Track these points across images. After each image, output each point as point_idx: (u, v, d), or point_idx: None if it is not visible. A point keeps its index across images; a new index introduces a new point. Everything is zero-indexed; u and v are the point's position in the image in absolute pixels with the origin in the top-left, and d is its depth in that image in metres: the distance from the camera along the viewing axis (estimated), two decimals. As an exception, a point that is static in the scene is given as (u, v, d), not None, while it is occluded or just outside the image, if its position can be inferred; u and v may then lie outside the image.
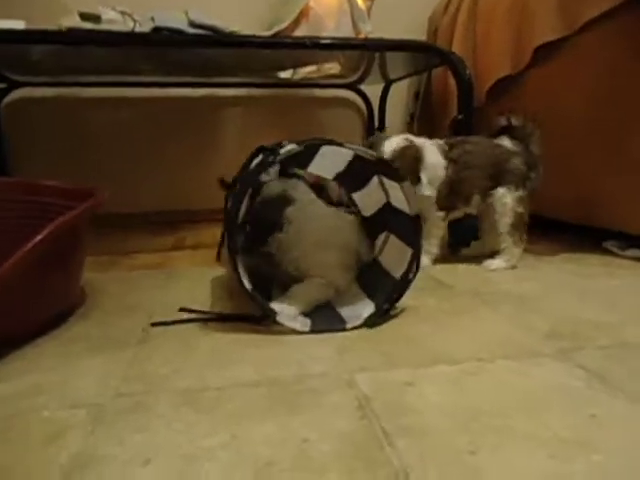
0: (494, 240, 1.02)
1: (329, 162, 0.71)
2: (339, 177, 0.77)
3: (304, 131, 1.79)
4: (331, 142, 0.67)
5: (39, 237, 0.61)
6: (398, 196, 0.70)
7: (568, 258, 1.09)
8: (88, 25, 1.24)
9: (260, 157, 0.69)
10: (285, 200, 0.78)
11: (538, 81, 1.23)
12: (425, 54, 1.22)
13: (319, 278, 0.75)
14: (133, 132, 1.68)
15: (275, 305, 0.70)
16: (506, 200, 0.99)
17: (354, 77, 1.65)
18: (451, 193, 0.99)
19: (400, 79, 1.68)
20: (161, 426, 0.46)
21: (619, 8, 0.97)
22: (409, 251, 0.71)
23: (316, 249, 0.76)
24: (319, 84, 1.73)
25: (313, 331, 0.68)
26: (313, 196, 0.83)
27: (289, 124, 1.77)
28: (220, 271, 1.01)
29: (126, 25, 1.27)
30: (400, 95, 1.83)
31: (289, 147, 0.66)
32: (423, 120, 1.75)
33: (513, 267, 1.00)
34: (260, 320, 0.70)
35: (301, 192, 0.81)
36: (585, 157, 1.13)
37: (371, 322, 0.68)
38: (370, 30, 1.39)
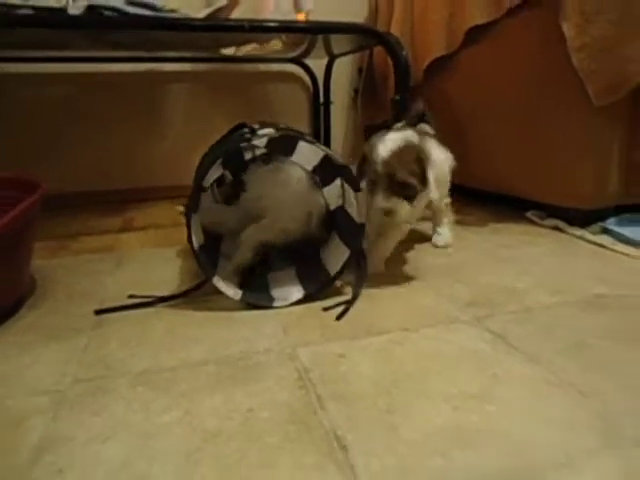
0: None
1: (307, 154, 0.75)
2: (316, 170, 0.80)
3: (251, 106, 1.79)
4: (304, 137, 0.73)
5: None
6: (353, 202, 0.76)
7: (494, 228, 1.20)
8: (16, 0, 1.19)
9: (243, 135, 0.74)
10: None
11: (469, 61, 1.30)
12: (364, 35, 1.26)
13: (270, 219, 0.82)
14: (74, 109, 1.63)
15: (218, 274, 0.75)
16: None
17: (298, 52, 1.66)
18: None
19: (343, 54, 1.70)
20: (119, 407, 0.51)
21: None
22: (347, 253, 0.77)
23: (273, 192, 0.83)
24: (264, 59, 1.73)
25: (242, 301, 0.74)
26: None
27: (236, 99, 1.77)
28: (171, 252, 1.04)
29: (58, 1, 1.22)
30: (344, 69, 1.86)
31: (266, 130, 0.71)
32: (367, 94, 1.79)
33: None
34: (198, 288, 0.75)
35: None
36: (509, 132, 1.22)
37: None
38: (311, 7, 1.41)
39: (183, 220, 0.74)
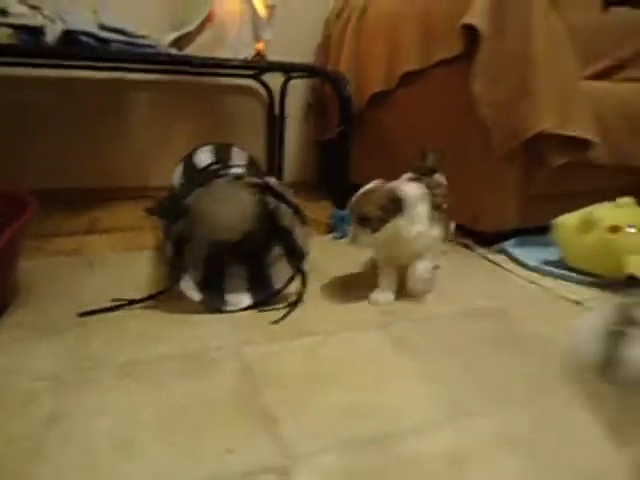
0: None
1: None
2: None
3: (210, 116, 1.94)
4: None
5: (4, 239, 0.77)
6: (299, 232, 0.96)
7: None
8: (-5, 18, 1.28)
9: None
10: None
11: (405, 98, 1.51)
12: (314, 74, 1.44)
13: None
14: (43, 112, 1.71)
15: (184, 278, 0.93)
16: None
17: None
18: None
19: (298, 77, 1.87)
20: (106, 390, 0.68)
21: (460, 56, 1.26)
22: (290, 273, 0.96)
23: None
24: (225, 73, 1.87)
25: (202, 303, 0.92)
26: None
27: (196, 109, 1.91)
28: (138, 256, 1.20)
29: (35, 20, 1.32)
30: (300, 84, 2.03)
31: (238, 170, 0.94)
32: (318, 110, 1.97)
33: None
34: (166, 292, 0.93)
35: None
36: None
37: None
38: (269, 37, 1.57)
39: (148, 222, 0.92)
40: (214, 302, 0.94)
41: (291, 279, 0.97)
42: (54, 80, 1.71)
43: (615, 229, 1.09)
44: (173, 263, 0.91)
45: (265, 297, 0.96)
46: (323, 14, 1.95)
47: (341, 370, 0.76)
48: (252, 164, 1.17)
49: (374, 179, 1.61)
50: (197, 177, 1.01)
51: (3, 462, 0.55)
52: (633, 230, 1.08)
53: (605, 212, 1.13)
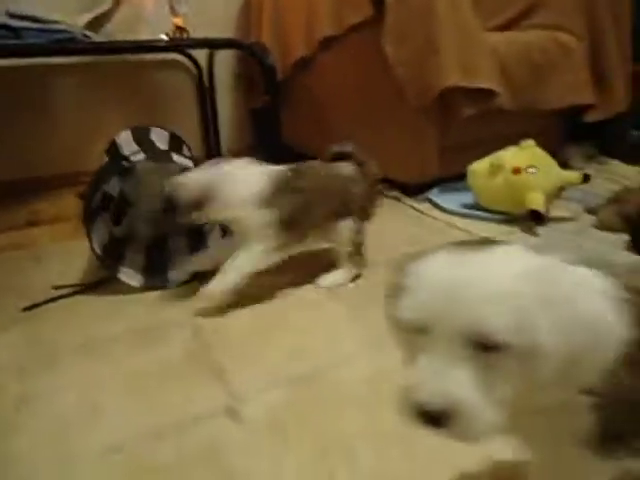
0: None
1: None
2: None
3: (139, 95, 1.92)
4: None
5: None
6: None
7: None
8: None
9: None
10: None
11: (326, 62, 1.57)
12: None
13: None
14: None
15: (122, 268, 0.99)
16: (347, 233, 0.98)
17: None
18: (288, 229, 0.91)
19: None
20: (68, 370, 0.76)
21: (371, 20, 1.32)
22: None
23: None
24: (149, 47, 1.84)
25: (142, 286, 0.99)
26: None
27: (125, 88, 1.88)
28: (83, 246, 1.23)
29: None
30: (226, 55, 2.03)
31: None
32: (247, 80, 2.00)
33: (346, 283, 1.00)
34: (106, 282, 0.99)
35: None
36: (354, 120, 1.54)
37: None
38: (185, 11, 1.57)
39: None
40: (156, 282, 1.00)
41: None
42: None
43: (517, 170, 1.22)
44: (105, 262, 0.97)
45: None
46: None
47: (280, 322, 0.86)
48: (175, 147, 1.21)
49: (307, 140, 1.69)
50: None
51: (-17, 440, 0.63)
52: (533, 170, 1.22)
53: (509, 156, 1.26)
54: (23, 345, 0.83)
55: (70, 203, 1.64)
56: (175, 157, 1.09)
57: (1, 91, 1.71)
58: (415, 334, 0.33)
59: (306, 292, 0.97)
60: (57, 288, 1.00)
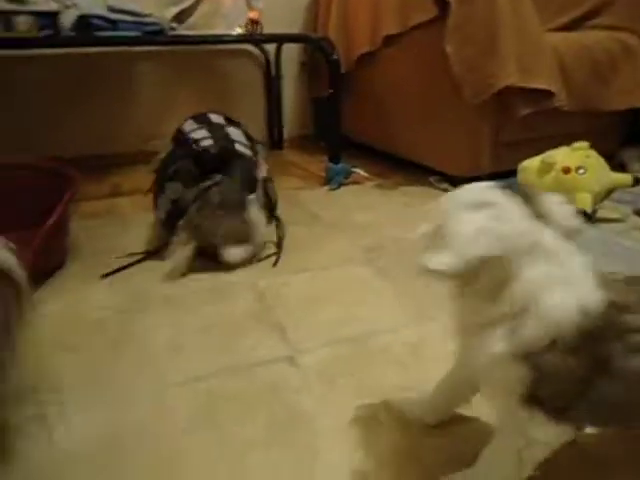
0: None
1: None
2: None
3: (210, 81, 2.08)
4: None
5: (61, 206, 0.98)
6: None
7: (404, 191, 1.61)
8: (13, 6, 1.43)
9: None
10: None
11: (389, 57, 1.65)
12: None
13: None
14: (54, 86, 1.87)
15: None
16: None
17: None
18: None
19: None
20: (157, 315, 0.90)
21: (435, 20, 1.39)
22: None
23: None
24: (223, 40, 1.99)
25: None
26: None
27: (196, 75, 2.05)
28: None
29: (48, 5, 1.46)
30: (294, 47, 2.15)
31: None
32: (312, 70, 2.10)
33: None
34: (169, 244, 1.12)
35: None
36: (414, 113, 1.61)
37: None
38: (261, 6, 1.70)
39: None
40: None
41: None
42: (70, 57, 1.85)
43: (567, 170, 1.27)
44: (167, 226, 1.11)
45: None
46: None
47: (334, 293, 0.97)
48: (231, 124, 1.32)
49: (366, 131, 1.79)
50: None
51: (94, 362, 0.78)
52: (582, 171, 1.26)
53: (560, 155, 1.30)
54: (119, 293, 0.99)
55: (144, 178, 1.83)
56: (229, 129, 1.22)
57: (92, 75, 1.91)
58: None
59: (353, 269, 1.08)
60: (131, 255, 1.15)
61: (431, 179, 1.65)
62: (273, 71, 2.13)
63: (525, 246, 0.42)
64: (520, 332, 0.43)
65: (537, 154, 1.36)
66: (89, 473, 0.59)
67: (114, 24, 1.46)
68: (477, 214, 0.43)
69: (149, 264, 1.11)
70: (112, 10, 1.46)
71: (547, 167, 1.30)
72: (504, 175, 1.56)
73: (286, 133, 2.25)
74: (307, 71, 2.15)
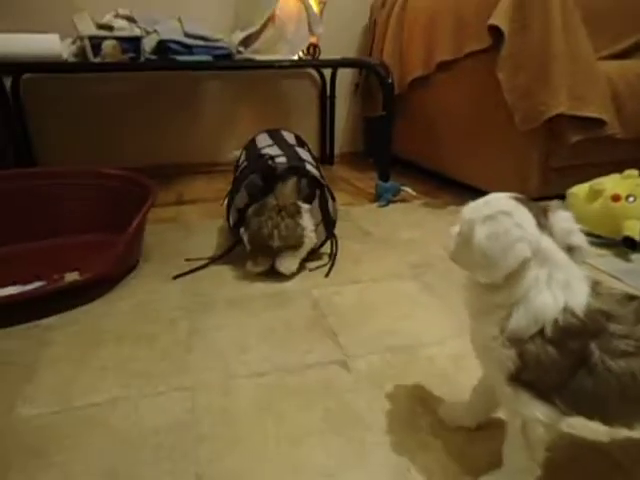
0: None
1: None
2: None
3: (270, 100, 2.21)
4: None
5: (141, 214, 1.10)
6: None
7: (451, 210, 1.66)
8: (103, 32, 1.60)
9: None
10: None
11: (441, 82, 1.72)
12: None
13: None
14: (134, 103, 2.05)
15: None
16: None
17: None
18: None
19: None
20: (222, 315, 1.00)
21: (487, 49, 1.45)
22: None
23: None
24: (284, 66, 2.12)
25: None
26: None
27: (258, 94, 2.18)
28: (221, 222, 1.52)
29: (132, 31, 1.63)
30: (348, 69, 2.25)
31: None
32: (365, 91, 2.20)
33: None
34: (233, 248, 1.23)
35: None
36: (464, 137, 1.67)
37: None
38: (321, 32, 1.81)
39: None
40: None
41: (325, 241, 1.27)
42: (146, 76, 2.03)
43: (616, 198, 1.29)
44: (234, 231, 1.23)
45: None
46: (364, 7, 2.15)
47: (383, 305, 1.04)
48: (300, 144, 1.43)
49: (416, 151, 1.86)
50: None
51: (169, 352, 0.89)
52: (632, 199, 1.28)
53: (610, 183, 1.32)
54: (188, 293, 1.10)
55: (208, 188, 1.97)
56: (298, 149, 1.32)
57: (165, 94, 2.08)
58: None
59: (401, 283, 1.14)
60: (189, 260, 1.26)
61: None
62: (328, 91, 2.24)
63: (533, 250, 0.50)
64: (511, 320, 0.52)
65: (586, 180, 1.39)
66: (164, 449, 0.68)
67: (189, 48, 1.60)
68: (496, 222, 0.51)
69: (215, 269, 1.22)
70: (188, 35, 1.61)
71: (596, 194, 1.33)
72: (552, 199, 1.59)
73: (337, 149, 2.35)
74: (360, 92, 2.25)
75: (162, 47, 1.57)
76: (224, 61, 1.65)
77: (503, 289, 0.53)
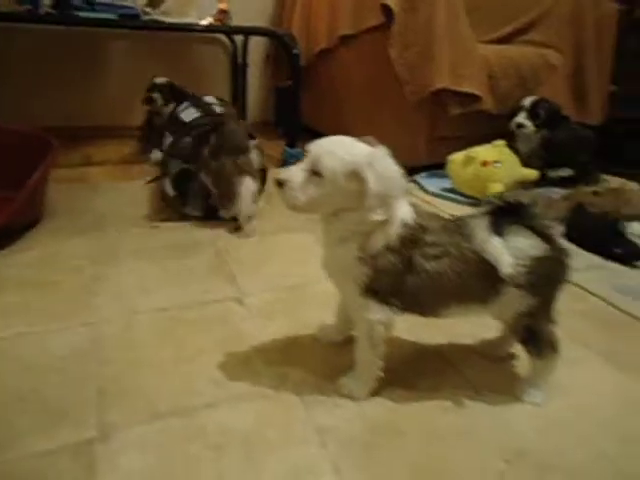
0: None
1: None
2: None
3: (180, 64, 2.21)
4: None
5: (41, 169, 1.12)
6: None
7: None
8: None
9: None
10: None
11: (343, 56, 1.84)
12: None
13: None
14: (33, 60, 1.96)
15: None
16: None
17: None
18: None
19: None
20: (127, 264, 1.07)
21: (382, 26, 1.59)
22: None
23: None
24: (194, 29, 2.12)
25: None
26: None
27: (167, 58, 2.17)
28: (135, 184, 1.54)
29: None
30: (260, 38, 2.30)
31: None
32: (276, 61, 2.27)
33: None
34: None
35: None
36: (362, 107, 1.81)
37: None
38: (231, -2, 1.84)
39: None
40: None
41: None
42: (48, 31, 1.93)
43: (485, 163, 1.50)
44: (175, 201, 1.30)
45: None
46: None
47: (280, 254, 1.16)
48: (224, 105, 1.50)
49: (322, 121, 1.98)
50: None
51: (74, 296, 0.94)
52: (498, 165, 1.50)
53: (481, 151, 1.53)
54: (93, 246, 1.14)
55: (115, 150, 1.95)
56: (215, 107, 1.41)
57: (70, 52, 2.01)
58: None
59: (297, 235, 1.27)
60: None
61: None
62: (240, 58, 2.28)
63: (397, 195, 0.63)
64: (369, 243, 0.64)
65: (465, 149, 1.59)
66: (69, 371, 0.75)
67: (92, 5, 1.57)
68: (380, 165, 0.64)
69: (117, 225, 1.26)
70: (91, -8, 1.58)
71: (470, 160, 1.53)
72: (438, 166, 1.79)
73: (249, 118, 2.41)
74: (271, 62, 2.31)
75: (62, 1, 1.53)
76: (130, 21, 1.64)
77: (363, 220, 0.64)
